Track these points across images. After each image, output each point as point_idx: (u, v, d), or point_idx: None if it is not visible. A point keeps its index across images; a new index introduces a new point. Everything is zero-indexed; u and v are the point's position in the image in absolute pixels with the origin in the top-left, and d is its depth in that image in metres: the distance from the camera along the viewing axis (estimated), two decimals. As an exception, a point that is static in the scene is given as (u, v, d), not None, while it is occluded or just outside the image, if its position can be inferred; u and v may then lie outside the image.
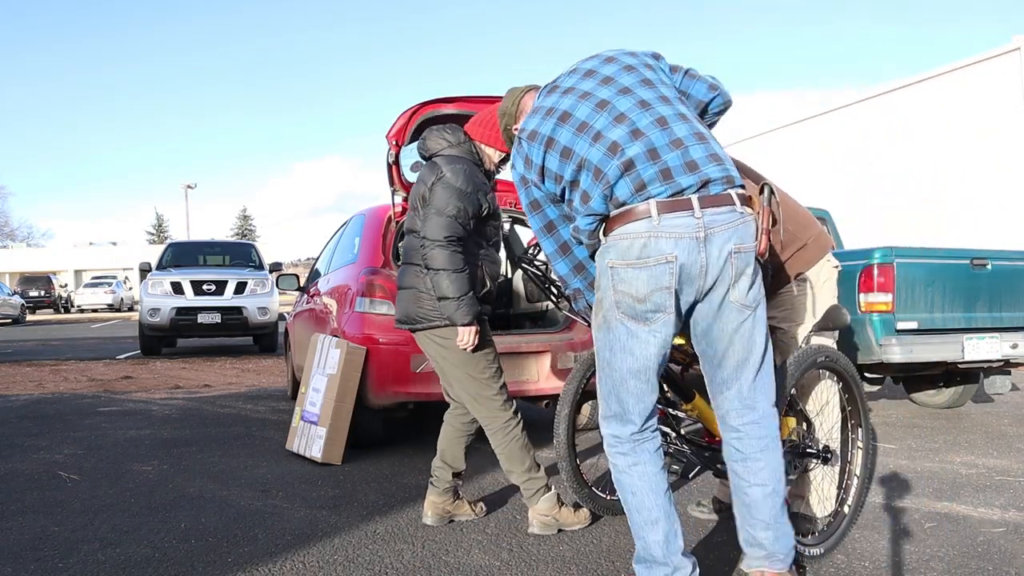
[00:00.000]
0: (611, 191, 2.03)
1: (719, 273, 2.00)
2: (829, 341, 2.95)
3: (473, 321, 2.89)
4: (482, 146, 3.12)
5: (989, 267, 4.99)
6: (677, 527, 2.14)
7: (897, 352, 4.67)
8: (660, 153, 2.00)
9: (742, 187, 2.05)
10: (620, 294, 2.03)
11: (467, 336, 2.91)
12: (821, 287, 2.86)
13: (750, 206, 2.04)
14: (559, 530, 2.94)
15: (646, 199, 1.99)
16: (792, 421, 2.70)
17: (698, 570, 2.18)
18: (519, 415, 3.01)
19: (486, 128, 3.12)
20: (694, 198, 1.98)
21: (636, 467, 2.12)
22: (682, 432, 2.86)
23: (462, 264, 2.87)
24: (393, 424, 4.61)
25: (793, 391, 2.63)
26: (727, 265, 1.99)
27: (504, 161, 3.19)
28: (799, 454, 2.68)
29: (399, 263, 3.21)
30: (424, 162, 3.13)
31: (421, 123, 4.31)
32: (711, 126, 2.24)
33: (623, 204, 2.02)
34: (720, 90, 2.22)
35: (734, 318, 2.04)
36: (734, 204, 2.00)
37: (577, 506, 3.04)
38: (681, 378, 2.79)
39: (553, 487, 3.00)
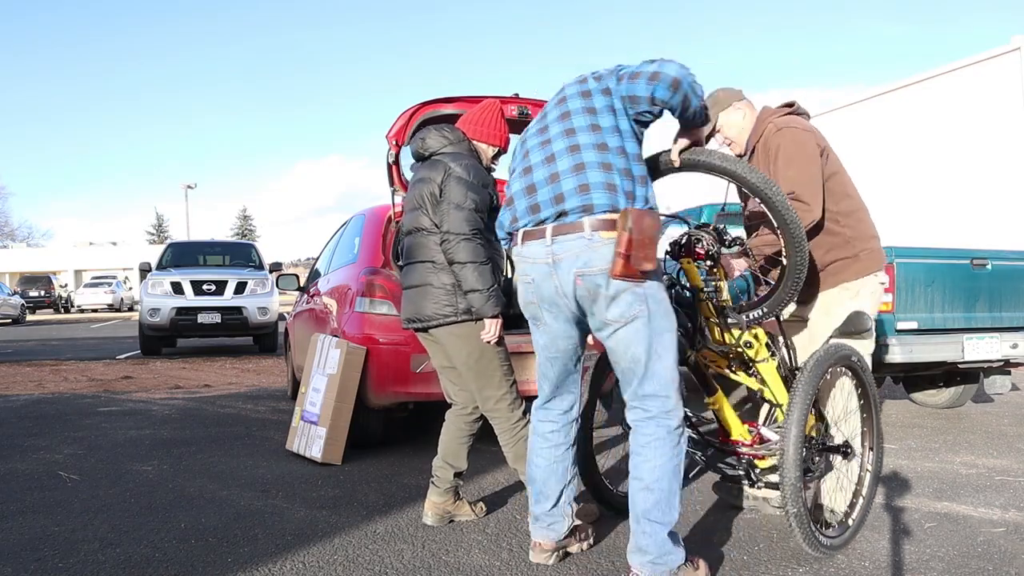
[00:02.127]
0: (502, 220, 2.49)
1: (573, 293, 2.28)
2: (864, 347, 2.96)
3: (500, 313, 2.92)
4: (476, 143, 3.14)
5: (989, 267, 4.99)
6: (548, 490, 2.57)
7: (897, 352, 4.67)
8: (536, 188, 2.35)
9: (611, 211, 2.21)
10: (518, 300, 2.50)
11: (494, 328, 2.93)
12: (864, 299, 2.91)
13: (610, 230, 2.20)
14: (450, 520, 3.02)
15: (519, 229, 2.39)
16: (812, 419, 2.72)
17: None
18: (528, 415, 3.00)
19: (479, 125, 3.14)
20: (549, 227, 2.29)
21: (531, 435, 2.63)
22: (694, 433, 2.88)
23: (486, 256, 2.90)
24: (393, 424, 4.61)
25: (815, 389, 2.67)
26: (576, 287, 2.26)
27: (497, 156, 3.21)
28: (822, 449, 2.73)
29: (398, 263, 3.21)
30: (420, 162, 3.14)
31: (421, 123, 4.31)
32: (685, 108, 2.30)
33: (509, 232, 2.47)
34: (659, 80, 2.24)
35: (606, 332, 2.30)
36: (583, 231, 2.22)
37: (475, 501, 3.14)
38: (704, 375, 2.80)
39: None
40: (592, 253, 2.22)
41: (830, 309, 2.93)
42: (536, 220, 2.33)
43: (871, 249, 2.92)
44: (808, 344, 2.94)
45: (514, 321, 5.17)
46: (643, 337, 2.25)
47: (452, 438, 3.13)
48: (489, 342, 2.94)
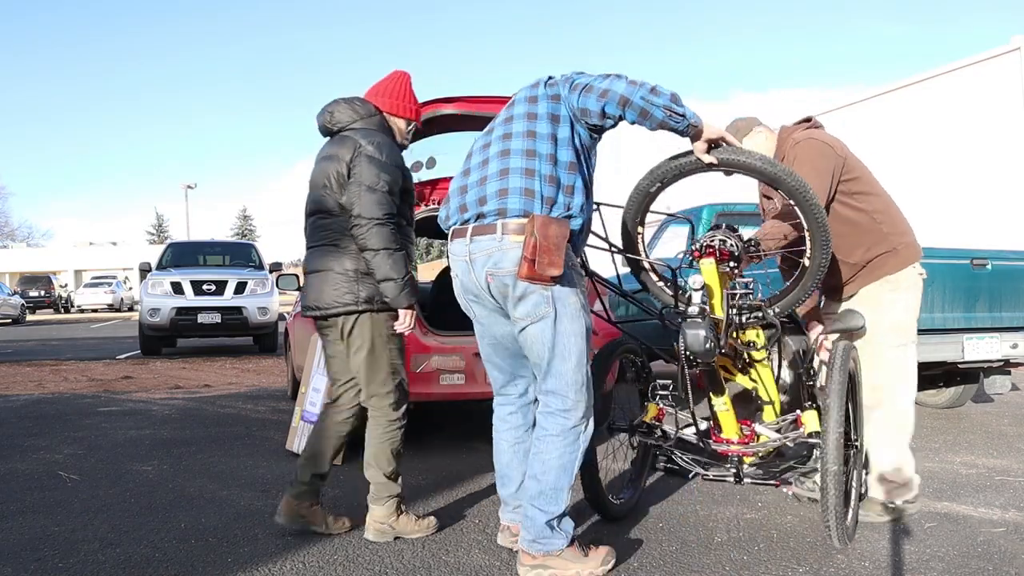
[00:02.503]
0: (440, 216, 2.60)
1: (487, 290, 2.42)
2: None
3: (414, 304, 2.78)
4: (391, 118, 2.94)
5: (989, 267, 4.99)
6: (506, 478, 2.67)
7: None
8: (467, 189, 2.46)
9: (523, 216, 2.32)
10: None
11: (409, 319, 2.79)
12: (906, 291, 3.04)
13: (520, 234, 2.31)
14: (396, 538, 2.84)
15: (449, 227, 2.52)
16: (816, 415, 2.80)
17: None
18: (406, 420, 2.90)
19: (392, 97, 2.94)
20: (470, 228, 2.42)
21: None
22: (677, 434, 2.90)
23: (401, 243, 2.73)
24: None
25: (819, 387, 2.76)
26: (489, 284, 2.40)
27: (411, 131, 3.02)
28: (847, 444, 2.77)
29: (309, 246, 2.93)
30: (328, 137, 2.93)
31: (421, 123, 4.31)
32: (648, 119, 2.34)
33: (446, 228, 2.57)
34: (607, 97, 2.32)
35: (517, 327, 2.43)
36: (495, 233, 2.35)
37: (421, 516, 2.95)
38: (717, 376, 2.82)
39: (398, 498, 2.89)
40: (501, 255, 2.35)
41: (879, 302, 3.05)
42: (462, 220, 2.47)
43: (907, 243, 3.05)
44: (863, 341, 3.05)
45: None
46: (548, 337, 2.37)
47: (327, 438, 2.94)
48: (392, 335, 2.80)
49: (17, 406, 6.42)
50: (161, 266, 11.61)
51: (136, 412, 6.02)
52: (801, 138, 3.03)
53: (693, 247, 2.77)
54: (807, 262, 2.72)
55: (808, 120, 3.18)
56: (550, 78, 2.50)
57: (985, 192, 13.32)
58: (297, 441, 4.30)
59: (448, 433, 4.95)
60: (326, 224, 2.83)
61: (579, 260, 2.54)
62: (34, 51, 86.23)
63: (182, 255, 12.16)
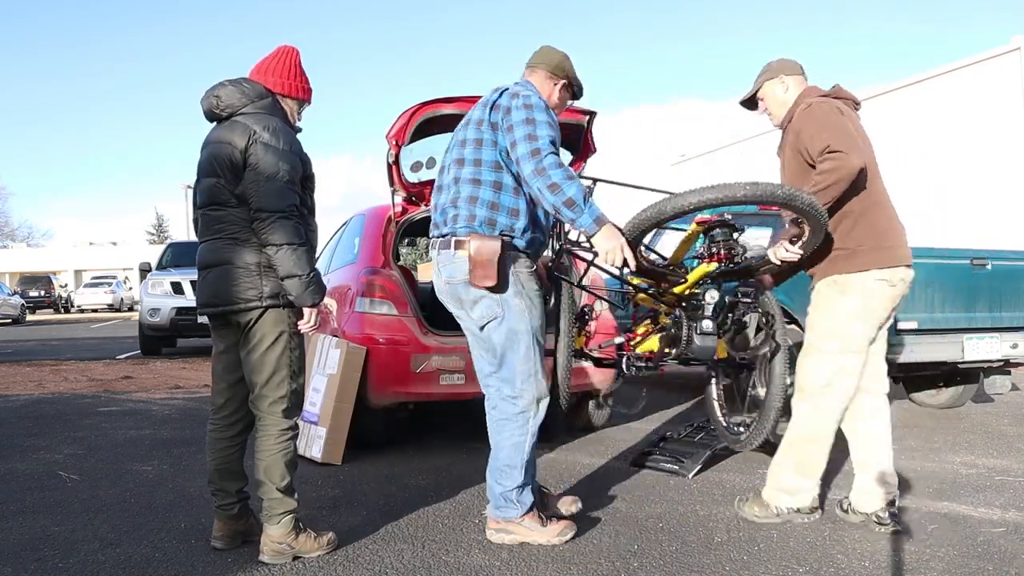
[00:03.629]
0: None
1: (449, 298, 2.82)
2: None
3: (319, 302, 2.66)
4: (282, 98, 2.74)
5: (989, 267, 4.99)
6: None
7: (897, 352, 4.67)
8: (436, 207, 2.87)
9: (466, 236, 2.70)
10: None
11: (313, 318, 2.68)
12: (853, 296, 2.87)
13: (465, 250, 2.69)
14: (295, 557, 2.65)
15: (431, 239, 2.90)
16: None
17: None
18: (299, 430, 2.78)
19: (283, 77, 2.74)
20: (437, 242, 2.82)
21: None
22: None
23: (304, 236, 2.60)
24: (394, 424, 4.61)
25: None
26: (447, 290, 2.80)
27: (301, 110, 2.83)
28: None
29: (202, 240, 2.74)
30: (215, 122, 2.72)
31: (421, 123, 4.31)
32: (538, 202, 2.69)
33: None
34: (516, 153, 2.61)
35: (476, 327, 2.79)
36: (449, 249, 2.74)
37: (320, 532, 2.75)
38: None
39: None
40: (453, 266, 2.74)
41: (826, 301, 2.94)
42: (434, 234, 2.88)
43: (873, 248, 2.84)
44: (807, 337, 3.02)
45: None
46: (499, 334, 2.75)
47: (231, 455, 2.79)
48: (294, 334, 2.66)
49: (17, 406, 6.42)
50: (161, 266, 11.61)
51: (136, 412, 6.02)
52: (812, 102, 2.87)
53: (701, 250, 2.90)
54: (803, 240, 2.80)
55: (835, 88, 3.01)
56: (497, 103, 2.72)
57: (985, 192, 13.31)
58: (297, 441, 4.29)
59: (448, 433, 4.95)
60: (220, 216, 2.64)
61: (531, 268, 2.79)
62: (34, 51, 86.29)
63: (182, 255, 12.14)
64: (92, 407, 6.32)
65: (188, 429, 5.23)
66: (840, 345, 2.90)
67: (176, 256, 12.05)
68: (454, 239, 2.74)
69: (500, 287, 2.69)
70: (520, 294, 2.75)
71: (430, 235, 2.91)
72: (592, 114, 4.46)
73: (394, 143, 4.35)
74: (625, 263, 2.57)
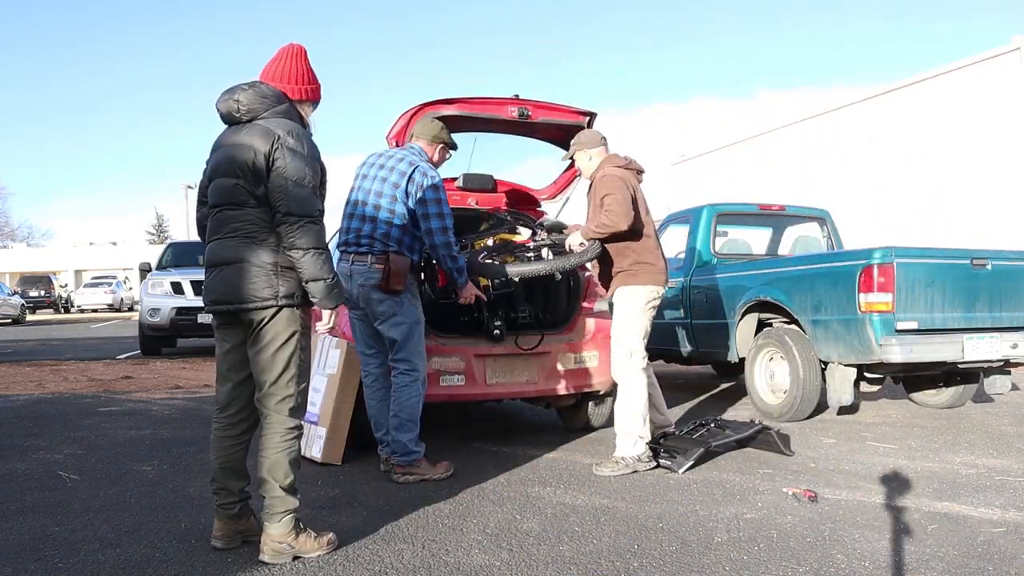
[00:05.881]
0: (338, 239, 3.93)
1: (358, 297, 3.73)
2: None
3: (340, 304, 2.72)
4: (299, 104, 2.79)
5: (989, 267, 4.99)
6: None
7: (897, 352, 4.67)
8: (351, 230, 3.82)
9: (382, 253, 3.69)
10: None
11: (333, 320, 2.72)
12: (629, 301, 3.98)
13: (380, 263, 3.68)
14: (295, 557, 2.65)
15: (348, 251, 3.80)
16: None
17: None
18: (303, 429, 2.80)
19: (298, 83, 2.78)
20: (352, 255, 3.76)
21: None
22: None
23: (327, 241, 2.69)
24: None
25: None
26: (360, 292, 3.71)
27: (312, 110, 2.89)
28: None
29: (213, 238, 2.74)
30: (232, 125, 2.74)
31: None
32: (438, 261, 3.95)
33: (339, 248, 3.84)
34: (430, 224, 3.74)
35: (379, 320, 3.75)
36: (366, 262, 3.70)
37: (320, 532, 2.75)
38: None
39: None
40: (369, 274, 3.69)
41: (617, 304, 4.07)
42: (353, 249, 3.77)
43: (646, 268, 3.98)
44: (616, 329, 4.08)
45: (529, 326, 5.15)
46: (398, 325, 3.72)
47: (236, 454, 2.80)
48: (305, 334, 2.69)
49: (17, 406, 6.42)
50: (161, 266, 11.60)
51: (136, 412, 6.01)
52: (606, 172, 3.98)
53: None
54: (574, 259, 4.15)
55: (626, 158, 4.10)
56: (412, 175, 3.72)
57: (985, 192, 13.32)
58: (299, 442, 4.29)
59: (448, 433, 4.95)
60: (238, 216, 2.66)
61: (413, 281, 3.82)
62: (34, 51, 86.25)
63: (182, 255, 12.14)
64: (92, 407, 6.31)
65: (188, 429, 5.23)
66: (623, 343, 3.99)
67: (176, 256, 12.05)
68: (371, 255, 3.71)
69: (402, 291, 3.72)
70: (412, 297, 3.80)
71: (347, 249, 3.79)
72: (592, 115, 4.62)
73: (394, 144, 4.35)
74: (476, 297, 4.08)
